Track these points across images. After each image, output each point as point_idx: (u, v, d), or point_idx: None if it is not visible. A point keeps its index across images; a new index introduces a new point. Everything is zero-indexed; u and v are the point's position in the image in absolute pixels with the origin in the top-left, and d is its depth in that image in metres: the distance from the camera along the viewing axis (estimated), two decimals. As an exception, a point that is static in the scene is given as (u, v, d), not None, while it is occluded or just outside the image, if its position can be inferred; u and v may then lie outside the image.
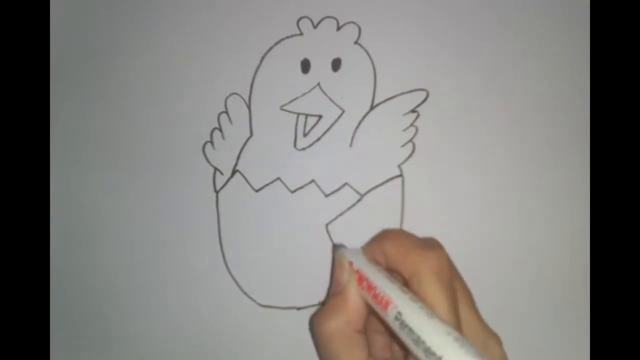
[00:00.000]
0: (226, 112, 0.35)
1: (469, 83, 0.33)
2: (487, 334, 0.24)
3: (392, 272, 0.25)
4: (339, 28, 0.34)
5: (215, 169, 0.35)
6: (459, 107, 0.33)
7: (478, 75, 0.33)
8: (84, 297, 0.36)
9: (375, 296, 0.24)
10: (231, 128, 0.35)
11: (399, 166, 0.33)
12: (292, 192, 0.34)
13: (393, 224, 0.33)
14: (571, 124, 0.32)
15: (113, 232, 0.36)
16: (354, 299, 0.25)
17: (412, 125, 0.33)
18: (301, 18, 0.35)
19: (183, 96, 0.36)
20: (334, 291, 0.26)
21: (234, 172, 0.35)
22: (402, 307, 0.22)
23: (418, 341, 0.21)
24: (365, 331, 0.26)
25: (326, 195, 0.34)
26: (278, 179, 0.34)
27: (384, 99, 0.34)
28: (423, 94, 0.33)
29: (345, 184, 0.34)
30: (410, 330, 0.21)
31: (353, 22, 0.34)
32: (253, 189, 0.34)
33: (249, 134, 0.35)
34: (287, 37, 0.35)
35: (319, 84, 0.34)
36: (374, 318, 0.26)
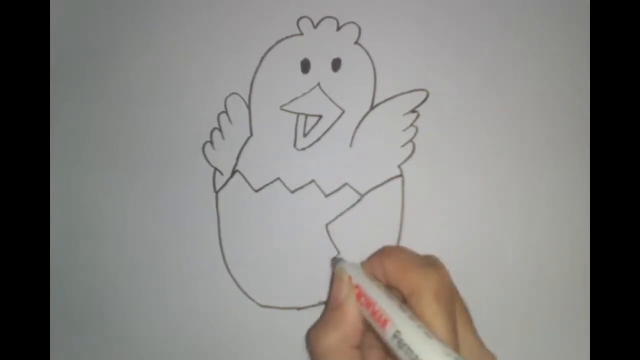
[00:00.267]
0: (226, 112, 0.35)
1: (469, 83, 0.33)
2: (484, 354, 0.24)
3: (392, 288, 0.25)
4: (339, 28, 0.34)
5: (215, 169, 0.35)
6: (459, 107, 0.33)
7: (478, 75, 0.33)
8: (84, 297, 0.36)
9: (374, 313, 0.23)
10: (231, 128, 0.35)
11: (399, 166, 0.33)
12: (292, 192, 0.34)
13: (393, 224, 0.33)
14: (571, 124, 0.32)
15: (113, 232, 0.36)
16: (352, 314, 0.25)
17: (412, 125, 0.33)
18: (301, 18, 0.35)
19: (183, 96, 0.36)
20: (332, 305, 0.26)
21: (234, 172, 0.35)
22: (400, 326, 0.22)
23: None
24: (360, 346, 0.26)
25: (326, 196, 0.34)
26: (278, 179, 0.34)
27: (384, 99, 0.34)
28: (423, 94, 0.33)
29: (345, 184, 0.34)
30: (409, 350, 0.21)
31: (353, 22, 0.34)
32: (253, 189, 0.34)
33: (248, 134, 0.35)
34: (287, 37, 0.35)
35: (319, 84, 0.34)
36: (369, 333, 0.26)
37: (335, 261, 0.28)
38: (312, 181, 0.34)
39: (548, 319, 0.32)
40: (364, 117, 0.34)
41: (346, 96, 0.34)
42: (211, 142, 0.35)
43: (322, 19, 0.34)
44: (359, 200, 0.33)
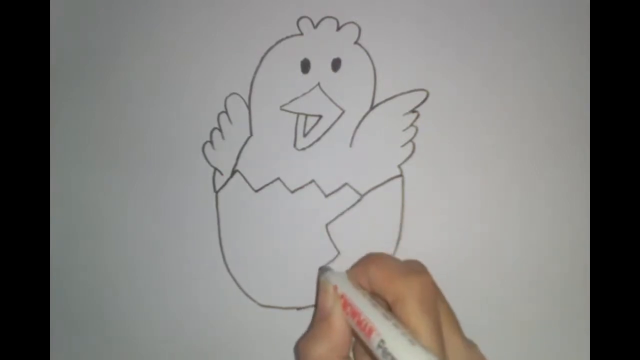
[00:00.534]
0: (226, 112, 0.35)
1: (469, 83, 0.33)
2: (470, 354, 0.24)
3: (377, 296, 0.25)
4: (339, 28, 0.34)
5: (215, 169, 0.35)
6: (459, 107, 0.33)
7: (478, 75, 0.33)
8: (84, 297, 0.36)
9: (359, 322, 0.24)
10: (231, 128, 0.35)
11: (399, 166, 0.33)
12: (292, 192, 0.34)
13: (393, 224, 0.33)
14: (571, 124, 0.32)
15: (113, 232, 0.36)
16: (339, 325, 0.25)
17: (412, 125, 0.33)
18: (301, 18, 0.35)
19: (183, 96, 0.36)
20: (319, 316, 0.26)
21: (234, 172, 0.35)
22: (385, 335, 0.22)
23: None
24: (353, 355, 0.26)
25: (326, 196, 0.34)
26: (278, 179, 0.34)
27: (384, 99, 0.34)
28: (423, 94, 0.33)
29: (345, 184, 0.34)
30: (393, 359, 0.21)
31: (353, 22, 0.34)
32: (253, 189, 0.34)
33: (248, 134, 0.35)
34: (287, 37, 0.35)
35: (319, 84, 0.34)
36: (361, 342, 0.26)
37: (321, 271, 0.28)
38: (312, 181, 0.34)
39: (548, 319, 0.32)
40: (364, 117, 0.34)
41: (346, 96, 0.34)
42: (211, 142, 0.35)
43: (322, 19, 0.34)
44: (359, 200, 0.33)
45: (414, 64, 0.34)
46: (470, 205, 0.33)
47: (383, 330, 0.22)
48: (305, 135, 0.34)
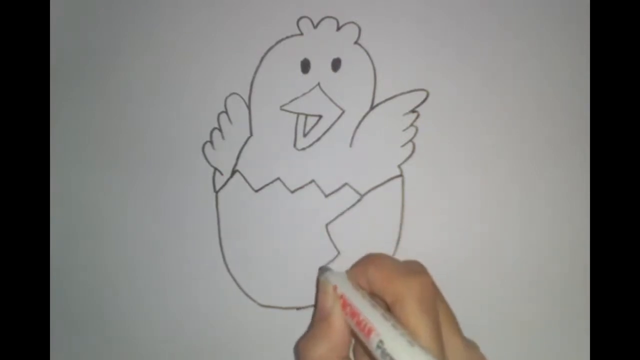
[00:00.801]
0: (226, 112, 0.35)
1: (469, 83, 0.33)
2: (470, 354, 0.24)
3: (376, 296, 0.25)
4: (339, 28, 0.34)
5: (215, 169, 0.35)
6: (459, 107, 0.33)
7: (478, 75, 0.33)
8: (84, 297, 0.36)
9: (358, 323, 0.24)
10: (231, 128, 0.35)
11: (399, 166, 0.33)
12: (292, 192, 0.34)
13: (393, 224, 0.33)
14: (571, 124, 0.32)
15: (113, 232, 0.36)
16: (338, 325, 0.25)
17: (412, 125, 0.33)
18: (301, 18, 0.35)
19: (183, 96, 0.36)
20: (319, 317, 0.26)
21: (234, 172, 0.35)
22: (383, 335, 0.22)
23: None
24: (353, 355, 0.26)
25: (326, 196, 0.34)
26: (278, 179, 0.34)
27: (384, 99, 0.34)
28: (423, 94, 0.33)
29: (345, 184, 0.34)
30: (391, 359, 0.21)
31: (353, 22, 0.34)
32: (253, 189, 0.34)
33: (248, 134, 0.35)
34: (287, 37, 0.35)
35: (319, 84, 0.34)
36: (361, 342, 0.26)
37: (321, 271, 0.28)
38: (312, 181, 0.34)
39: (548, 319, 0.32)
40: (364, 117, 0.34)
41: (346, 96, 0.34)
42: (211, 142, 0.35)
43: (322, 19, 0.34)
44: (359, 200, 0.33)
45: (414, 64, 0.34)
46: (470, 205, 0.33)
47: (382, 331, 0.22)
48: (305, 135, 0.34)
